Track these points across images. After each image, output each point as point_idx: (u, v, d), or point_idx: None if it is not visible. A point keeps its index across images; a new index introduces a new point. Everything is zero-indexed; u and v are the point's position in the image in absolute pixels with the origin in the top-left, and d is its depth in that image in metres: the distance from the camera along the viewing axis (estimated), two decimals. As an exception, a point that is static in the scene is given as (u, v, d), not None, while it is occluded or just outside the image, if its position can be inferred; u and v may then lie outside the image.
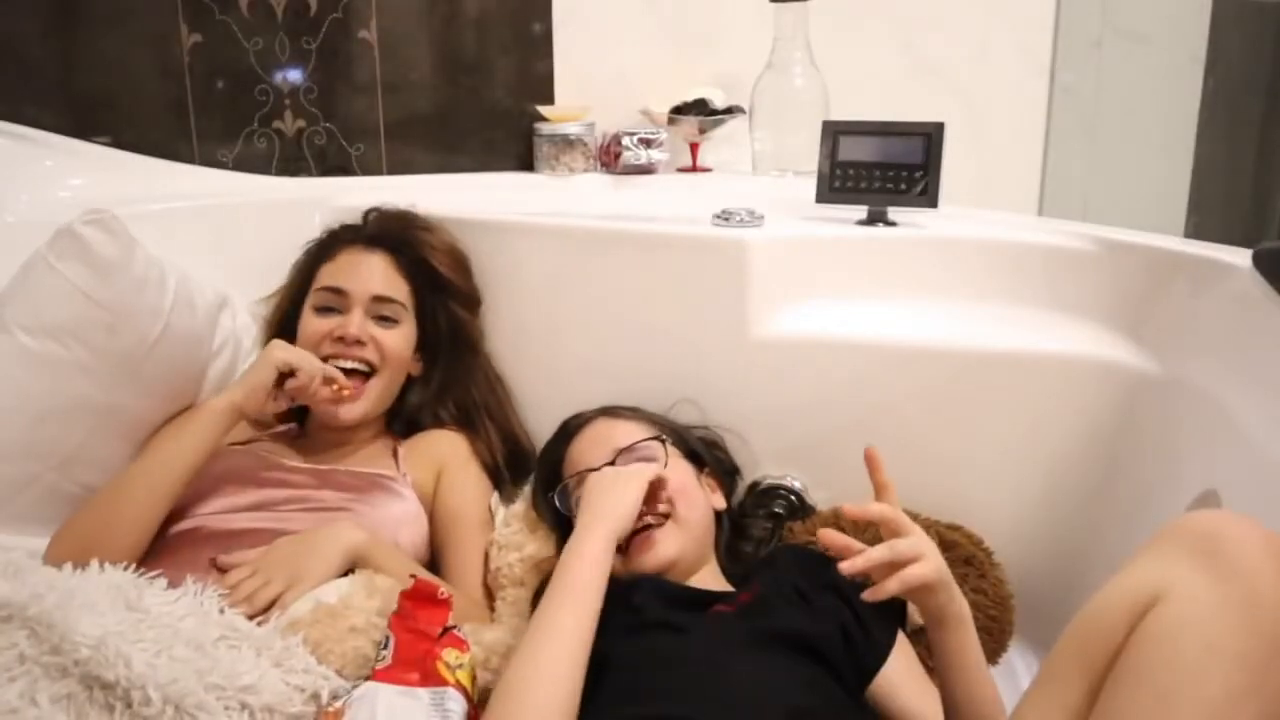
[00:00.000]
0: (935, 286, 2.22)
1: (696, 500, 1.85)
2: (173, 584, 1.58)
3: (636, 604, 1.63)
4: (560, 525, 1.92)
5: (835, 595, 1.68)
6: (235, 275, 2.27)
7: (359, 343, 2.06)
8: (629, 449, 1.87)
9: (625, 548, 1.74)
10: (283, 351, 1.94)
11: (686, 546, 1.78)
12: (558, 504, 1.90)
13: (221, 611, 1.55)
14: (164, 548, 1.80)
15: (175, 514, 1.85)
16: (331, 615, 1.60)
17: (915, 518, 1.98)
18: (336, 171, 2.84)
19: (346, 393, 2.01)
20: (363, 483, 1.98)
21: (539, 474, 2.04)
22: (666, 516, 1.78)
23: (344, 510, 1.90)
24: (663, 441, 1.89)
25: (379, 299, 2.10)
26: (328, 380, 1.99)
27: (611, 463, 1.83)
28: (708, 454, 2.03)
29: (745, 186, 2.89)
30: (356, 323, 2.06)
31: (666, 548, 1.76)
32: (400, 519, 1.95)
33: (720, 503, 1.94)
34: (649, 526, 1.76)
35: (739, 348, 2.14)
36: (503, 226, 2.34)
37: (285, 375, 1.93)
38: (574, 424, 2.01)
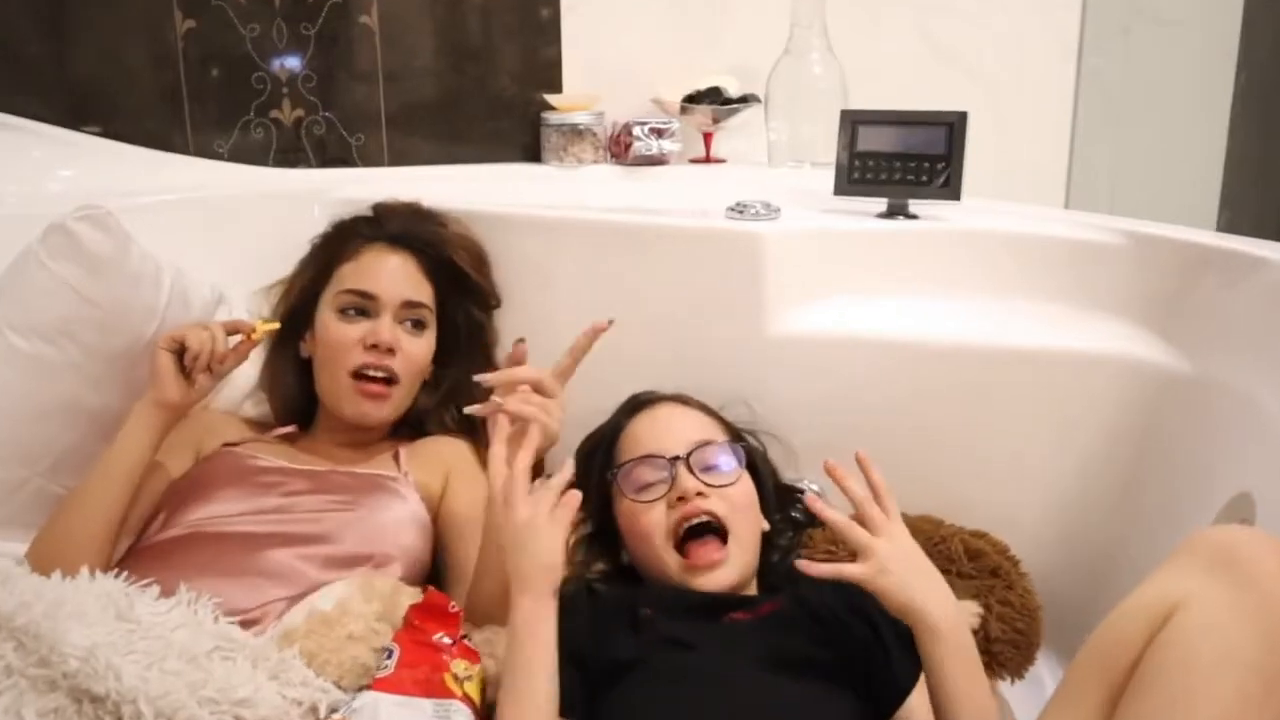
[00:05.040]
0: (958, 282, 2.22)
1: (756, 521, 1.78)
2: (165, 592, 1.58)
3: (642, 617, 1.60)
4: (599, 508, 1.86)
5: (861, 618, 1.64)
6: (231, 270, 2.24)
7: (390, 351, 2.05)
8: (703, 446, 1.78)
9: (681, 551, 1.70)
10: (163, 336, 1.91)
11: (747, 567, 1.73)
12: (619, 485, 1.81)
13: (216, 621, 1.54)
14: (156, 554, 1.79)
15: (168, 519, 1.85)
16: (327, 623, 1.60)
17: (939, 526, 1.98)
18: (336, 163, 2.84)
19: (256, 336, 1.98)
20: (362, 483, 1.96)
21: (586, 448, 1.97)
22: (724, 535, 1.71)
23: (343, 512, 1.89)
24: (742, 448, 1.84)
25: (409, 304, 2.09)
26: (234, 329, 1.96)
27: (686, 457, 1.76)
28: (765, 468, 1.96)
29: (761, 178, 2.89)
30: (388, 328, 2.05)
31: (729, 572, 1.69)
32: (401, 521, 1.94)
33: (765, 524, 1.82)
34: (703, 533, 1.70)
35: (755, 345, 2.14)
36: (508, 220, 2.33)
37: (182, 353, 1.90)
38: (642, 400, 1.94)
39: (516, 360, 1.73)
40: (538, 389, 1.69)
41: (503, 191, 2.63)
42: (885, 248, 2.25)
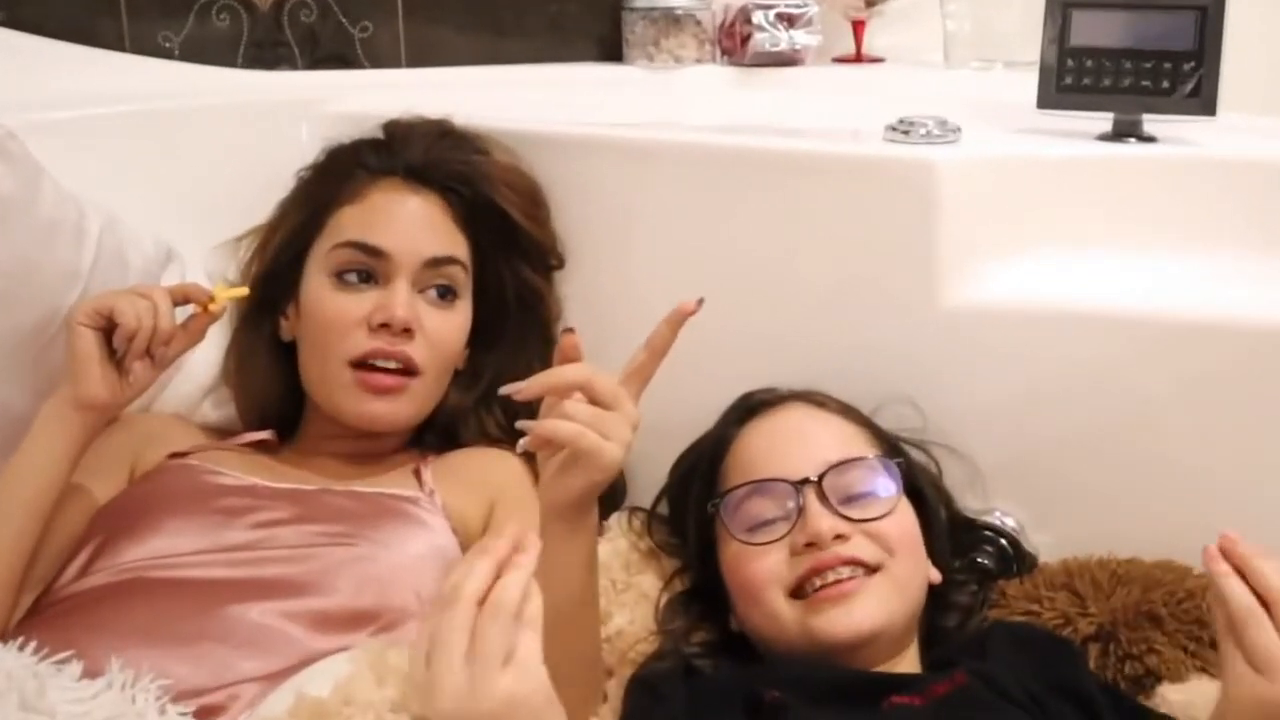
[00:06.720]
0: (1214, 232, 2.17)
1: (919, 558, 1.77)
2: (90, 669, 1.57)
3: (767, 703, 1.57)
4: (700, 555, 1.87)
5: (1078, 704, 1.62)
6: (184, 216, 2.27)
7: (406, 332, 2.03)
8: (844, 465, 1.76)
9: (801, 595, 1.68)
10: (83, 307, 1.87)
11: (896, 615, 1.69)
12: (724, 521, 1.80)
13: (162, 711, 1.53)
14: (76, 612, 1.79)
15: (91, 562, 1.85)
16: (320, 716, 1.57)
17: (1184, 576, 1.95)
18: (333, 63, 2.88)
19: (214, 307, 1.96)
20: (368, 507, 1.97)
21: (681, 469, 1.99)
22: (874, 568, 1.69)
23: (339, 547, 1.88)
24: (900, 466, 1.82)
25: (434, 264, 2.08)
26: (183, 298, 1.94)
27: (819, 481, 1.72)
28: (935, 495, 1.96)
29: (934, 84, 2.99)
30: (404, 299, 2.04)
31: (869, 610, 1.66)
32: (424, 560, 1.92)
33: (935, 574, 1.82)
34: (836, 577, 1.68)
35: (923, 321, 2.10)
36: (575, 144, 2.34)
37: (111, 331, 1.87)
38: (758, 401, 1.94)
39: (567, 358, 1.65)
40: (590, 396, 1.59)
41: (569, 104, 2.65)
42: (1109, 183, 2.20)
